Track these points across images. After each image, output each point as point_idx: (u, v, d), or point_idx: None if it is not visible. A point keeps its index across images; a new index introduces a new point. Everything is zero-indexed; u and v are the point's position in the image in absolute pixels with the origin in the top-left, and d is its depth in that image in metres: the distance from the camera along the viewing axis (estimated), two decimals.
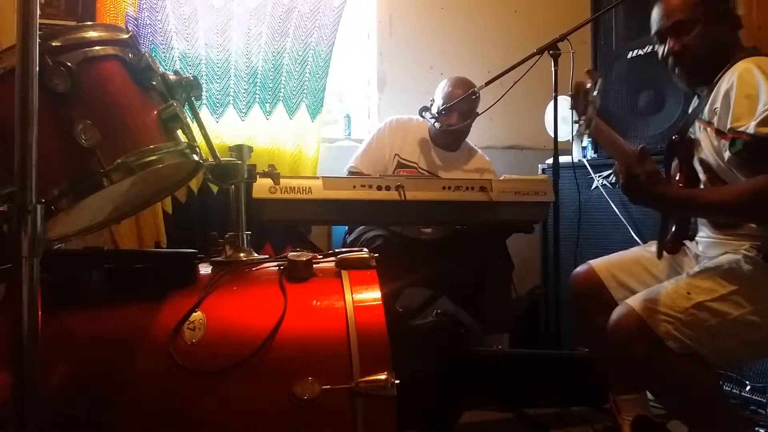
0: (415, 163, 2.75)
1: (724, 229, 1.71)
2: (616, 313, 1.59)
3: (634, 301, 1.58)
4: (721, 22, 1.71)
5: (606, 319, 1.80)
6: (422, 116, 2.72)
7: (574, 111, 1.62)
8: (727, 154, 1.54)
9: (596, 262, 1.93)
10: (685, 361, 1.50)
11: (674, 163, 1.85)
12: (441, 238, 2.62)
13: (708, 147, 1.66)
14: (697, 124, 1.72)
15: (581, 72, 1.73)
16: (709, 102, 1.64)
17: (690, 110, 1.82)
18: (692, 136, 1.75)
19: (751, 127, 1.47)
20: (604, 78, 2.71)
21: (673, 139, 1.80)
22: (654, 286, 1.70)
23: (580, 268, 1.96)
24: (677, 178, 1.78)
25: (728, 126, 1.53)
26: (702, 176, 1.73)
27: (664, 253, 1.80)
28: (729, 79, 1.57)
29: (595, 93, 1.59)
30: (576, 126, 1.65)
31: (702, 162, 1.71)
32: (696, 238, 1.82)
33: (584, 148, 3.00)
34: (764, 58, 1.59)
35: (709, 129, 1.64)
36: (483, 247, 2.53)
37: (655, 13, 1.78)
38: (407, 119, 2.86)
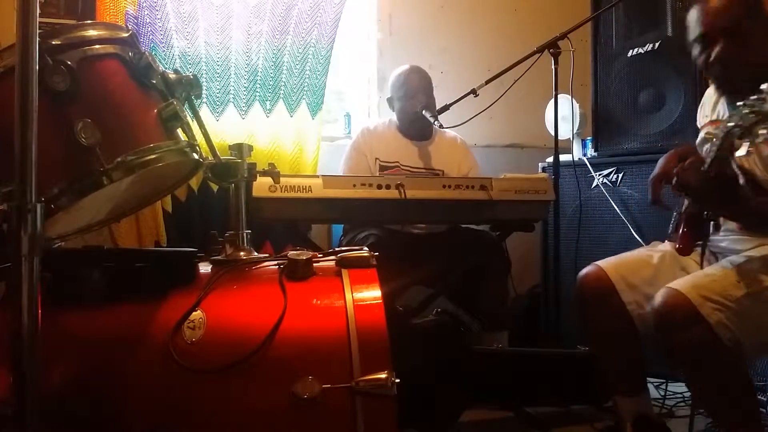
0: (396, 162, 2.77)
1: (756, 227, 1.66)
2: (663, 297, 1.52)
3: (681, 286, 1.51)
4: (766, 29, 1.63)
5: (612, 322, 1.78)
6: (424, 115, 2.71)
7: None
8: None
9: (605, 264, 1.84)
10: (732, 353, 1.46)
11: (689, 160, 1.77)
12: (437, 233, 2.63)
13: (760, 167, 1.59)
14: (744, 142, 1.63)
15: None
16: None
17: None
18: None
19: None
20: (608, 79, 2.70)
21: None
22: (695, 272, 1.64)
23: (588, 270, 1.88)
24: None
25: None
26: (741, 180, 1.59)
27: (677, 254, 1.76)
28: None
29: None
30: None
31: (741, 167, 1.60)
32: (714, 237, 1.77)
33: (585, 147, 3.00)
34: None
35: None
36: (478, 245, 2.54)
37: (695, 17, 1.70)
38: (376, 124, 2.93)
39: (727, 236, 1.74)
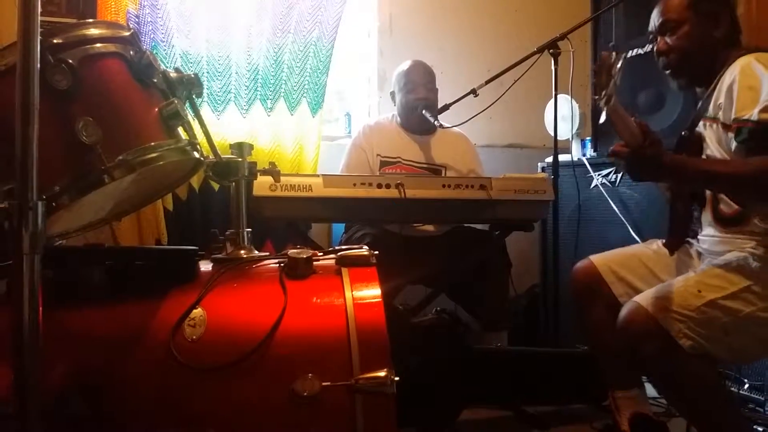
0: (397, 157, 2.77)
1: (729, 227, 1.70)
2: (626, 310, 1.58)
3: (643, 299, 1.57)
4: (712, 23, 1.73)
5: (605, 314, 1.83)
6: (424, 115, 2.71)
7: (594, 85, 1.61)
8: (733, 145, 1.56)
9: (596, 257, 1.94)
10: (696, 360, 1.50)
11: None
12: (438, 235, 2.63)
13: (714, 143, 1.67)
14: (702, 122, 1.73)
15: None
16: (713, 98, 1.66)
17: (697, 108, 1.83)
18: (701, 132, 1.75)
19: (755, 114, 1.50)
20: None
21: (682, 135, 1.80)
22: (655, 283, 1.70)
23: (580, 263, 1.98)
24: None
25: (733, 117, 1.55)
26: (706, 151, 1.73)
27: (666, 251, 1.81)
28: (731, 74, 1.59)
29: (618, 68, 1.57)
30: (598, 101, 1.62)
31: (703, 141, 1.72)
32: (699, 236, 1.82)
33: (584, 147, 3.01)
34: (764, 53, 1.61)
35: (715, 125, 1.66)
36: (480, 245, 2.54)
37: (653, 14, 1.82)
38: (378, 120, 2.93)
39: (707, 238, 1.78)
